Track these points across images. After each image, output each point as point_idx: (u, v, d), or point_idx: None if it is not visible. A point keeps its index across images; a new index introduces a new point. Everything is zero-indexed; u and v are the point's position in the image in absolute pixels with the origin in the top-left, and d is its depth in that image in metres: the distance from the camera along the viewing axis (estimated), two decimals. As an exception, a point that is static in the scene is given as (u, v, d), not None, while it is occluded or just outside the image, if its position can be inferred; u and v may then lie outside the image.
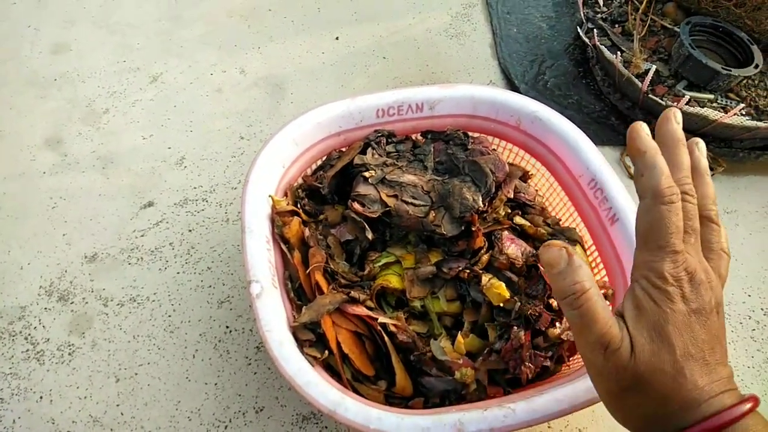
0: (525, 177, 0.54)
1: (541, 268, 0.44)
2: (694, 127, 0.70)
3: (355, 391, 0.43)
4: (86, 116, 0.73)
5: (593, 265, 0.50)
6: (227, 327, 0.56)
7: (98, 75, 0.77)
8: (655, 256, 0.31)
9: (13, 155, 0.69)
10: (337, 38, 0.84)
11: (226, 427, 0.51)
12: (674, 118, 0.35)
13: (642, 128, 0.33)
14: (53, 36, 0.82)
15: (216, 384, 0.53)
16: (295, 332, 0.42)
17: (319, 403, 0.37)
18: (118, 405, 0.52)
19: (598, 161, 0.49)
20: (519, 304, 0.43)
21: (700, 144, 0.36)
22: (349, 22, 0.86)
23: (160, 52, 0.81)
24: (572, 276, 0.31)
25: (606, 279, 0.48)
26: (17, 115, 0.73)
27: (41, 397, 0.52)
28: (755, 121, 0.67)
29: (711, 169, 0.70)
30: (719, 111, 0.67)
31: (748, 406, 0.30)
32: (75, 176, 0.67)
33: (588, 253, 0.50)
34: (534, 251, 0.46)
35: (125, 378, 0.53)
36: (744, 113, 0.69)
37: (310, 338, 0.42)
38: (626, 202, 0.47)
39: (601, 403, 0.34)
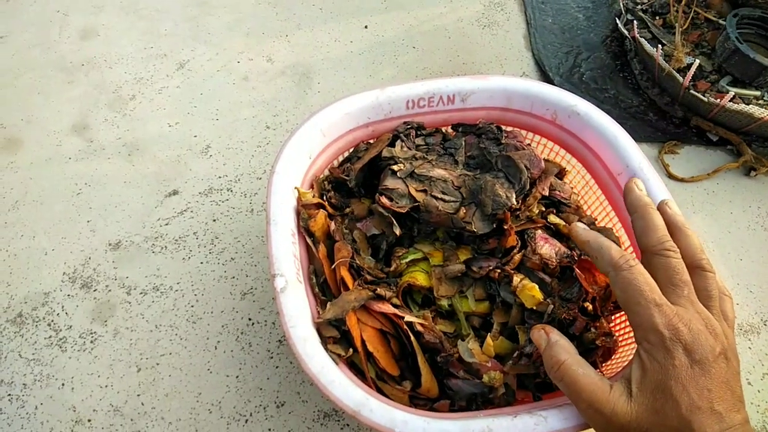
0: (561, 174, 0.52)
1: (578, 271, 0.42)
2: (737, 125, 0.67)
3: (379, 390, 0.41)
4: (113, 102, 0.73)
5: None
6: (250, 319, 0.56)
7: (125, 61, 0.77)
8: (641, 316, 0.33)
9: (39, 140, 0.69)
10: (366, 27, 0.82)
11: (246, 421, 0.50)
12: (636, 188, 0.39)
13: (578, 225, 0.39)
14: (81, 21, 0.82)
15: (237, 377, 0.52)
16: (319, 328, 0.40)
17: (343, 403, 0.36)
18: (138, 395, 0.51)
19: (638, 158, 0.47)
20: (552, 306, 0.41)
21: (670, 202, 0.39)
22: (379, 11, 0.84)
23: (187, 39, 0.80)
24: (550, 352, 0.35)
25: None
26: (45, 100, 0.73)
27: (63, 384, 0.52)
28: (804, 120, 0.63)
29: (753, 169, 0.67)
30: (765, 108, 0.64)
31: None
32: (100, 162, 0.67)
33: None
34: (569, 251, 0.44)
35: (147, 368, 0.53)
36: (792, 111, 0.66)
37: (334, 335, 0.40)
38: None
39: None
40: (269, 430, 0.50)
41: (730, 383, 0.32)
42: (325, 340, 0.40)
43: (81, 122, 0.70)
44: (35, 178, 0.65)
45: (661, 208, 0.39)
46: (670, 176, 0.67)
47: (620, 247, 0.48)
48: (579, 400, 0.33)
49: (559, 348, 0.35)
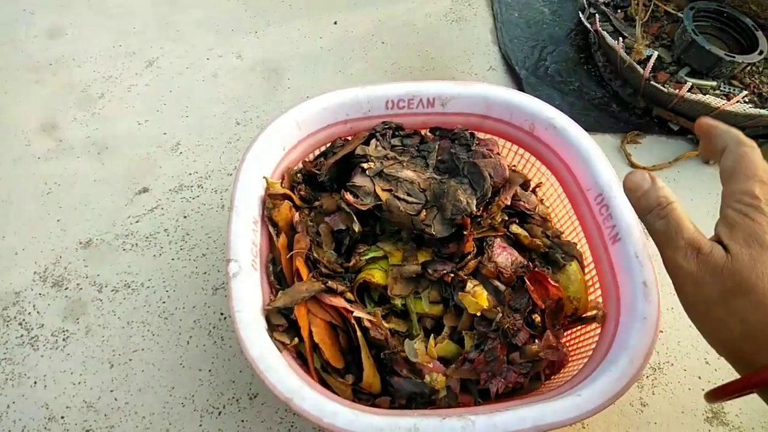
0: (526, 185, 0.53)
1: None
2: (695, 114, 0.69)
3: (323, 381, 0.42)
4: (81, 101, 0.73)
5: (590, 283, 0.48)
6: (221, 314, 0.57)
7: (94, 59, 0.77)
8: (744, 184, 0.31)
9: (7, 140, 0.69)
10: (335, 23, 0.83)
11: (219, 414, 0.51)
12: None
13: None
14: (49, 19, 0.81)
15: (210, 370, 0.53)
16: (268, 316, 0.42)
17: (277, 390, 0.37)
18: (112, 391, 0.52)
19: (608, 176, 0.47)
20: (501, 315, 0.42)
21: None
22: (347, 6, 0.85)
23: (156, 37, 0.80)
24: (657, 192, 0.33)
25: (600, 300, 0.46)
26: (12, 99, 0.72)
27: (35, 383, 0.52)
28: (758, 109, 0.65)
29: (707, 162, 0.69)
30: (722, 98, 0.66)
31: None
32: (70, 161, 0.67)
33: (586, 271, 0.49)
34: (525, 262, 0.45)
35: (119, 364, 0.53)
36: (747, 101, 0.68)
37: (282, 323, 0.42)
38: (631, 221, 0.44)
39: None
40: (242, 421, 0.51)
41: None
42: (272, 328, 0.41)
43: (50, 122, 0.70)
44: (4, 178, 0.65)
45: None
46: (633, 165, 0.69)
47: (582, 261, 0.49)
48: (678, 238, 0.32)
49: (668, 191, 0.34)
